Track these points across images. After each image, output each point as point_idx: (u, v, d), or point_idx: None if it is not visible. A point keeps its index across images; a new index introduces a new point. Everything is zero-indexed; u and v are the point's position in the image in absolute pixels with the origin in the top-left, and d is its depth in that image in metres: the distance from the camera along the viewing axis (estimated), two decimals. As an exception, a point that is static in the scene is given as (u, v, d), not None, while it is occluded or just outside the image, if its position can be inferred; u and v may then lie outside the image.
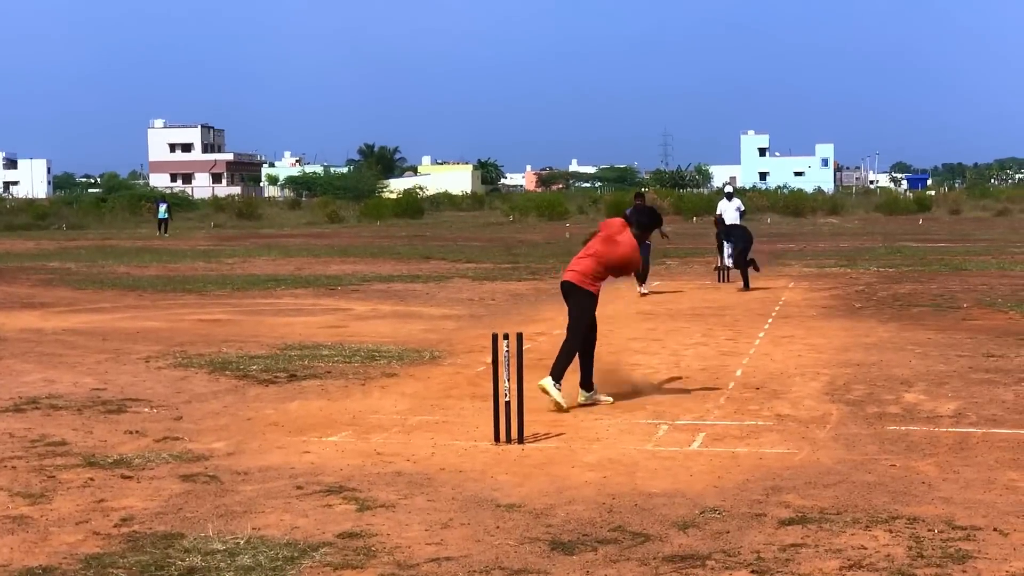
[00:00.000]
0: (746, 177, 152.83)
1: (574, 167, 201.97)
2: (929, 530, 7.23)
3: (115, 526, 7.47)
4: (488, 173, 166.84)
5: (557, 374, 11.31)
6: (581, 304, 11.56)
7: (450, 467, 9.05)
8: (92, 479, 8.72)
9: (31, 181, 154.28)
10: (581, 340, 11.56)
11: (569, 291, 11.65)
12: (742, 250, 24.70)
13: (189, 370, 13.97)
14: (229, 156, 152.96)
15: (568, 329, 11.59)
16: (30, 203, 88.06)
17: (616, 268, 11.74)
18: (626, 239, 11.71)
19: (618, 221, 12.14)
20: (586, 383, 11.64)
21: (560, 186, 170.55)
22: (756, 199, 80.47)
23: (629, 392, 12.21)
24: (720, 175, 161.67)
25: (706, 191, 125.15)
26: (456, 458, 9.36)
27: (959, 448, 9.51)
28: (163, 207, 58.24)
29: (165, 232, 55.44)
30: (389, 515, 7.66)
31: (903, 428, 10.32)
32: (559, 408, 11.16)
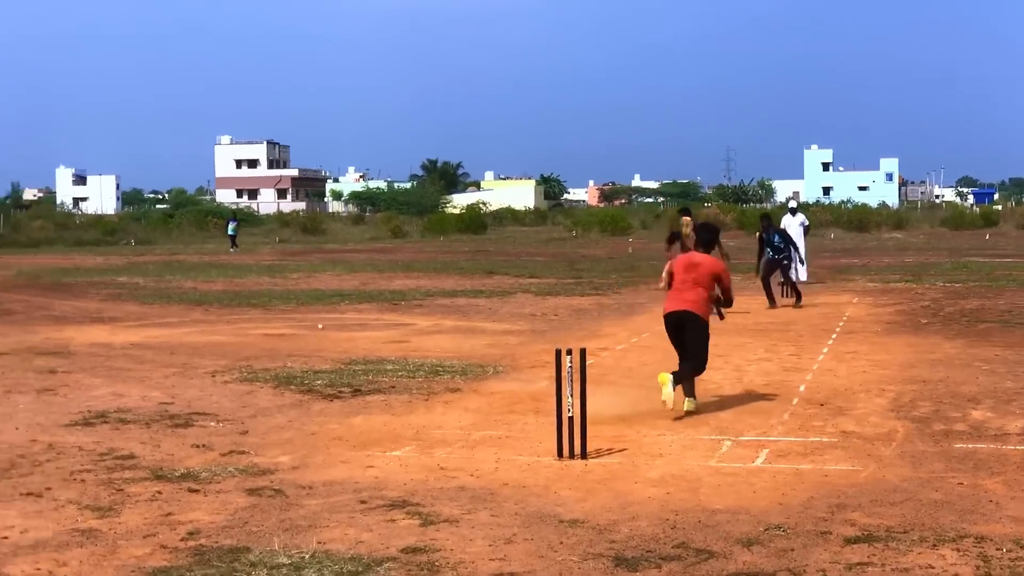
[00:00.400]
0: (809, 192, 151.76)
1: (637, 182, 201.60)
2: (997, 549, 7.14)
3: (182, 539, 7.54)
4: (551, 188, 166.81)
5: (684, 386, 11.84)
6: (700, 331, 12.10)
7: (513, 482, 9.05)
8: (160, 492, 8.80)
9: (100, 197, 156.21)
10: (706, 362, 12.24)
11: (685, 320, 12.10)
12: (785, 265, 24.39)
13: (254, 384, 14.08)
14: (294, 172, 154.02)
15: (693, 356, 12.06)
16: (99, 219, 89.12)
17: (719, 282, 12.26)
18: (703, 258, 12.31)
19: (682, 258, 12.36)
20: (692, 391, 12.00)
21: (623, 201, 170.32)
22: (820, 214, 79.80)
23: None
24: (783, 190, 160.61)
25: (769, 206, 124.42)
26: (519, 473, 9.36)
27: (1028, 466, 9.39)
28: (232, 224, 58.89)
29: (234, 247, 55.96)
30: (453, 530, 7.68)
31: (970, 446, 10.20)
32: (665, 406, 11.54)
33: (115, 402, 12.91)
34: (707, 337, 12.20)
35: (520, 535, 7.56)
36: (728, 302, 12.56)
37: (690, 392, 11.91)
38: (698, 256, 12.32)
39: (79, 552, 7.29)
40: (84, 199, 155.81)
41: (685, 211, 25.67)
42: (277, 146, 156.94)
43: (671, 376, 11.62)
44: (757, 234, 26.79)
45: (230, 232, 58.08)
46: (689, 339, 12.10)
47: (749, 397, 12.94)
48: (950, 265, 37.68)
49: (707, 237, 12.60)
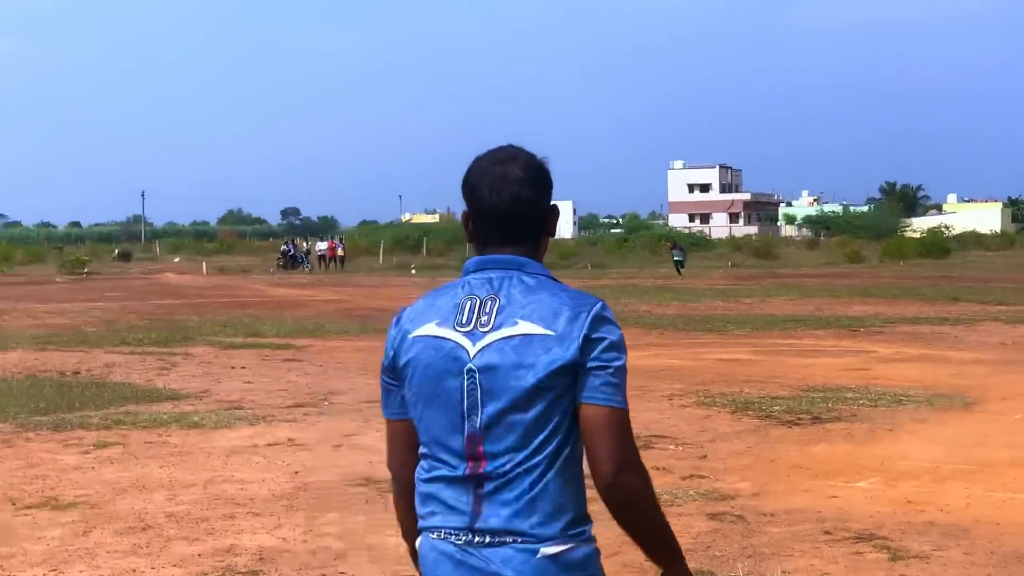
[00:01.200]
0: None
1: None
2: None
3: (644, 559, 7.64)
4: (1019, 211, 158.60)
5: None
6: None
7: (986, 519, 8.65)
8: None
9: (558, 222, 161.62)
10: None
11: None
12: None
13: (712, 409, 14.15)
14: (746, 196, 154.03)
15: None
16: (556, 243, 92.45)
17: None
18: None
19: None
20: None
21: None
22: None
23: None
24: None
25: None
26: (993, 510, 8.94)
27: None
28: (676, 252, 59.65)
29: (679, 272, 56.65)
30: (923, 566, 7.43)
31: None
32: None
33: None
34: None
35: (995, 574, 7.21)
36: None
37: None
38: None
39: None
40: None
41: None
42: (730, 170, 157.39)
43: None
44: None
45: (676, 258, 58.81)
46: None
47: None
48: None
49: None
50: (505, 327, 2.90)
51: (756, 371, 17.88)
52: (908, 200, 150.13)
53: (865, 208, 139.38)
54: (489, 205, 3.01)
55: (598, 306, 2.94)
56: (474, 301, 2.95)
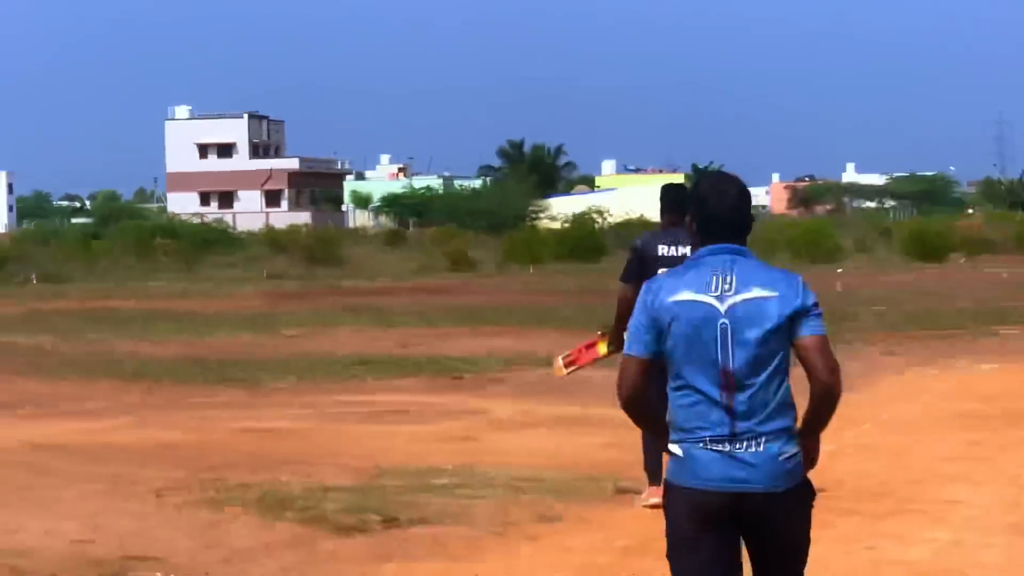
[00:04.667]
0: None
1: (850, 176, 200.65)
2: None
3: None
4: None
5: None
6: None
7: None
8: None
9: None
10: None
11: None
12: None
13: (227, 509, 14.18)
14: (293, 163, 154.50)
15: None
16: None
17: None
18: None
19: None
20: None
21: (830, 208, 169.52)
22: None
23: (935, 551, 12.11)
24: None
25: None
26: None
27: None
28: None
29: None
30: None
31: None
32: None
33: (5, 540, 13.05)
34: None
35: None
36: None
37: None
38: None
39: None
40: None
41: None
42: (266, 122, 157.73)
43: None
44: None
45: None
46: None
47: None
48: None
49: None
50: (743, 292, 6.95)
51: (300, 447, 18.05)
52: (544, 170, 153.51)
53: (478, 183, 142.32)
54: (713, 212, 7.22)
55: (801, 277, 7.05)
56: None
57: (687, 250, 12.64)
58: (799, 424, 6.97)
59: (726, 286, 6.90)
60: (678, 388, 6.96)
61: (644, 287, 7.12)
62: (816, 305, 6.96)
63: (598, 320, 36.34)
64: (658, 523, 13.21)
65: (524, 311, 42.14)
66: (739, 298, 6.88)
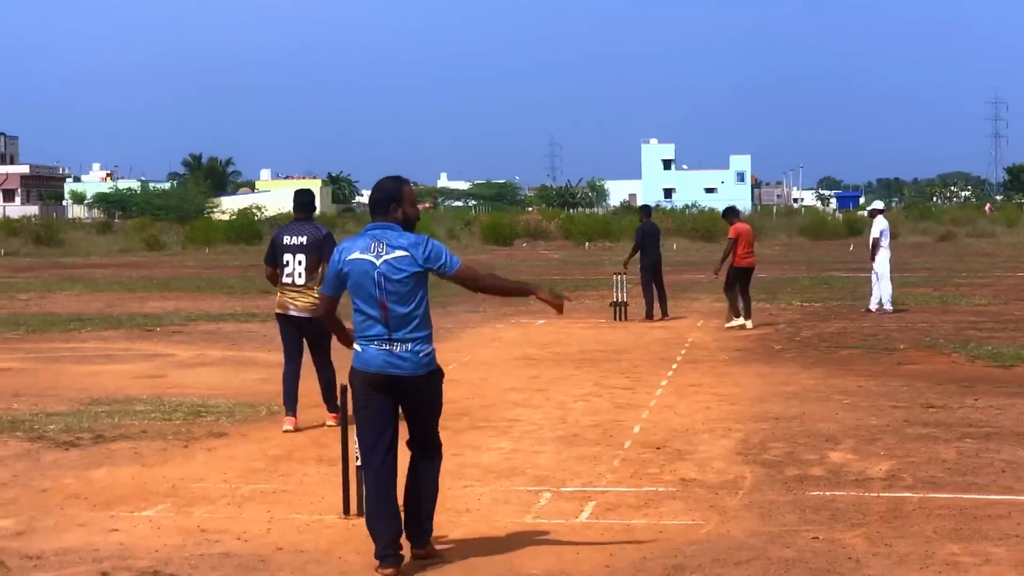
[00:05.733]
0: (649, 194, 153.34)
1: (443, 182, 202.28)
2: (856, 614, 7.35)
3: None
4: (340, 189, 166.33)
5: None
6: None
7: (289, 546, 9.01)
8: None
9: None
10: None
11: None
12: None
13: (-30, 431, 13.72)
14: (24, 168, 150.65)
15: None
16: None
17: None
18: None
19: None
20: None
21: (427, 205, 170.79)
22: (660, 220, 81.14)
23: (502, 456, 12.26)
24: (618, 191, 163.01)
25: (600, 210, 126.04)
26: (297, 535, 9.32)
27: (892, 516, 9.69)
28: None
29: None
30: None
31: (827, 493, 10.49)
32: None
33: None
34: None
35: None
36: None
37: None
38: None
39: None
40: None
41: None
42: (3, 137, 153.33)
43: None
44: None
45: None
46: None
47: (574, 440, 13.09)
48: (808, 281, 38.79)
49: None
50: (390, 253, 8.39)
51: (28, 382, 17.57)
52: (217, 176, 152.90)
53: (167, 185, 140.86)
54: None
55: (427, 237, 8.53)
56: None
57: (304, 239, 13.71)
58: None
59: (380, 249, 8.39)
60: (356, 310, 8.45)
61: (336, 251, 8.65)
62: (439, 254, 8.46)
63: (256, 287, 36.35)
64: (299, 438, 13.26)
65: (201, 281, 41.92)
66: (388, 256, 8.37)
